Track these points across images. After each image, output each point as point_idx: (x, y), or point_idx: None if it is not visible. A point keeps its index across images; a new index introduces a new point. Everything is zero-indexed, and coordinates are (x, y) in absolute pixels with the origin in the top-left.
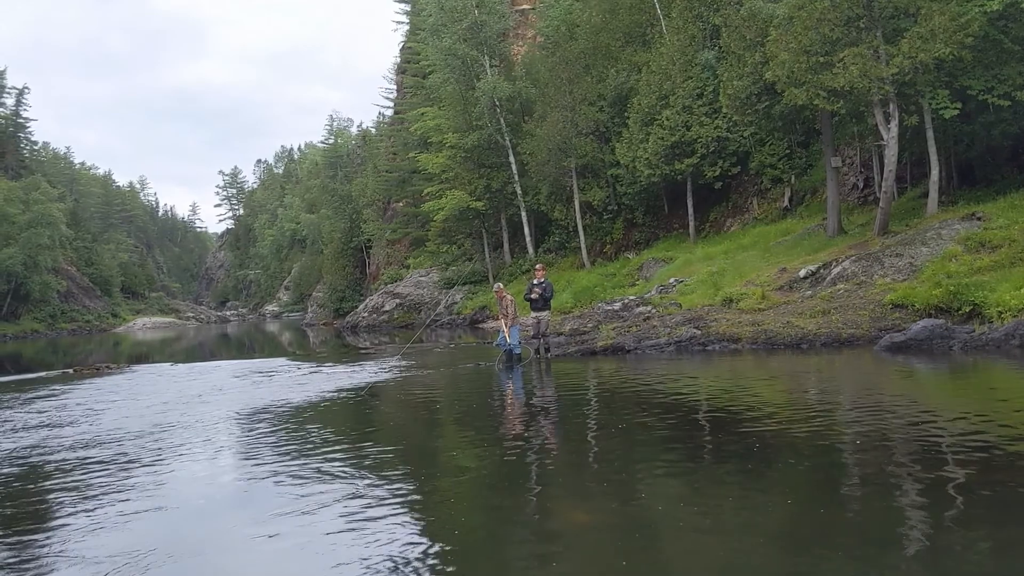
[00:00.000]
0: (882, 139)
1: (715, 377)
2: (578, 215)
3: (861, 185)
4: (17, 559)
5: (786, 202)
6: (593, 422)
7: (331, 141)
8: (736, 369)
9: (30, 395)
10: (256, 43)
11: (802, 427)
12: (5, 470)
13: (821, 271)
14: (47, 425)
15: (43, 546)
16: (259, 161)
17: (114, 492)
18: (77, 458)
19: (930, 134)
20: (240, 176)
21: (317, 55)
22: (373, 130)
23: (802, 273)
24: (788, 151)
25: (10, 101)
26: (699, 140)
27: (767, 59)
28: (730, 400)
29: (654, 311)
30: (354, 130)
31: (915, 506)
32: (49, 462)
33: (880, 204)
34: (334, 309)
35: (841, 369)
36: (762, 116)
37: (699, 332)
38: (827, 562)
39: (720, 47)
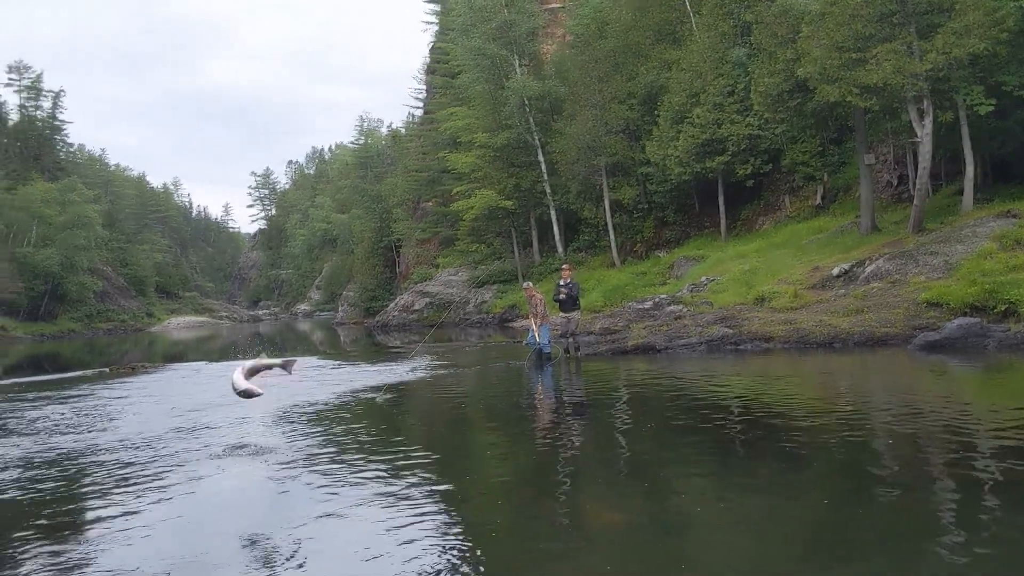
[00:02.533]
0: (916, 136)
1: (748, 376)
2: (608, 214)
3: (895, 182)
4: (54, 569)
5: (819, 200)
6: (624, 422)
7: (361, 141)
8: (769, 368)
9: (67, 394)
10: (286, 44)
11: (836, 426)
12: (43, 472)
13: (855, 269)
14: (84, 426)
15: (80, 555)
16: (290, 162)
17: (148, 496)
18: (111, 460)
19: (965, 131)
20: (272, 177)
21: (347, 55)
22: (403, 130)
23: (835, 271)
24: (821, 148)
25: (47, 104)
26: (730, 138)
27: (799, 56)
28: (763, 399)
29: (685, 310)
30: (384, 130)
31: (951, 507)
32: (85, 464)
33: (914, 201)
34: (364, 308)
35: (875, 368)
36: (794, 113)
37: (731, 331)
38: (862, 562)
39: (751, 44)
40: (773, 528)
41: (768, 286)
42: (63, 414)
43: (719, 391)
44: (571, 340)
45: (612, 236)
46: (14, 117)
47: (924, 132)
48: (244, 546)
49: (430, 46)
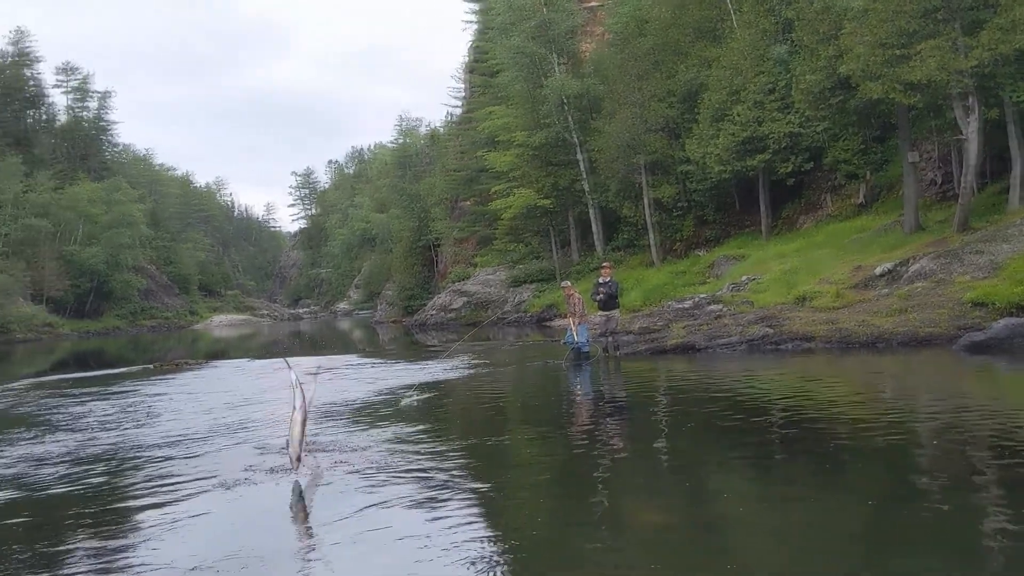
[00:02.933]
0: (961, 133)
1: (789, 377)
2: (647, 212)
3: (940, 181)
4: (97, 563)
5: (861, 198)
6: (664, 422)
7: (400, 141)
8: (810, 368)
9: (113, 391)
10: (329, 46)
11: (879, 427)
12: (87, 468)
13: (898, 268)
14: (129, 423)
15: (124, 552)
16: (331, 161)
17: (190, 492)
18: (154, 456)
19: (1011, 128)
20: (312, 176)
21: (386, 56)
22: (441, 130)
23: (878, 271)
24: (863, 146)
25: (93, 105)
26: (771, 136)
27: (842, 52)
28: (804, 399)
29: (725, 309)
30: (423, 130)
31: (998, 510)
32: (129, 459)
33: (960, 200)
34: (403, 307)
35: (919, 368)
36: (836, 111)
37: (772, 331)
38: (908, 564)
39: (793, 41)
40: (816, 530)
41: (809, 286)
42: (107, 410)
43: (760, 391)
44: (611, 339)
45: (652, 235)
46: (62, 118)
47: (970, 129)
48: (282, 542)
49: (470, 45)
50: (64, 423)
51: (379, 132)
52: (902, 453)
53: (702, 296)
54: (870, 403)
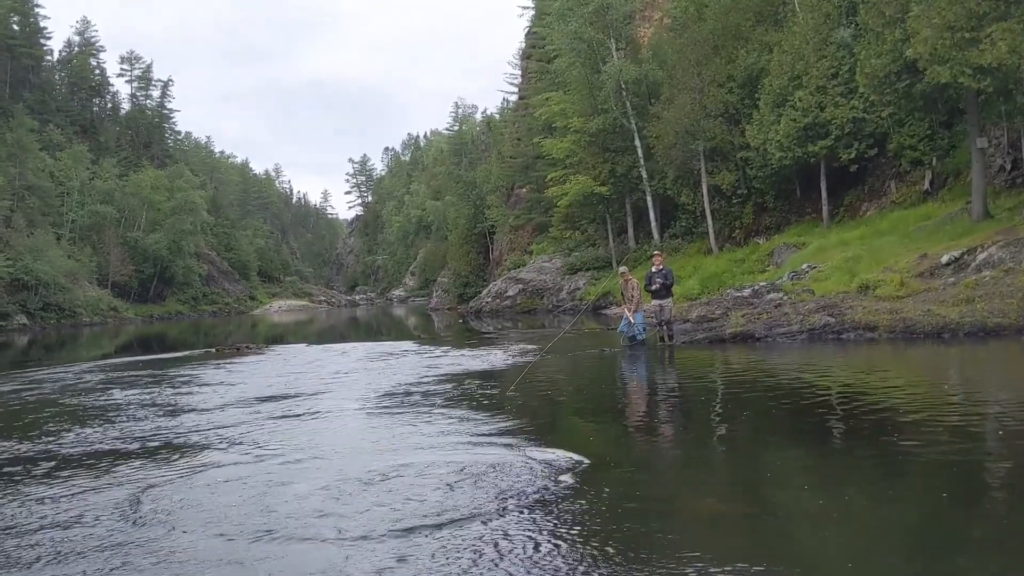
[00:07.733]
0: None
1: (851, 367)
2: (706, 199)
3: (1009, 167)
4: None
5: (927, 185)
6: (721, 411)
7: (456, 128)
8: (873, 359)
9: (175, 373)
10: (385, 33)
11: (944, 420)
12: (166, 441)
13: (965, 257)
14: (192, 407)
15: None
16: (387, 149)
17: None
18: (213, 443)
19: None
20: (369, 164)
21: (443, 43)
22: (497, 116)
23: (944, 259)
24: (929, 132)
25: (156, 93)
26: (833, 121)
27: (908, 36)
28: (866, 391)
29: (786, 298)
30: (479, 117)
31: None
32: (192, 443)
33: None
34: (458, 294)
35: (986, 360)
36: (902, 95)
37: (833, 320)
38: (971, 560)
39: (857, 24)
40: (878, 522)
41: (872, 274)
42: (169, 393)
43: (821, 382)
44: (665, 328)
45: (710, 222)
46: (125, 106)
47: None
48: (343, 540)
49: (526, 31)
50: (144, 408)
51: (434, 119)
52: (968, 448)
53: (761, 284)
54: (935, 395)
